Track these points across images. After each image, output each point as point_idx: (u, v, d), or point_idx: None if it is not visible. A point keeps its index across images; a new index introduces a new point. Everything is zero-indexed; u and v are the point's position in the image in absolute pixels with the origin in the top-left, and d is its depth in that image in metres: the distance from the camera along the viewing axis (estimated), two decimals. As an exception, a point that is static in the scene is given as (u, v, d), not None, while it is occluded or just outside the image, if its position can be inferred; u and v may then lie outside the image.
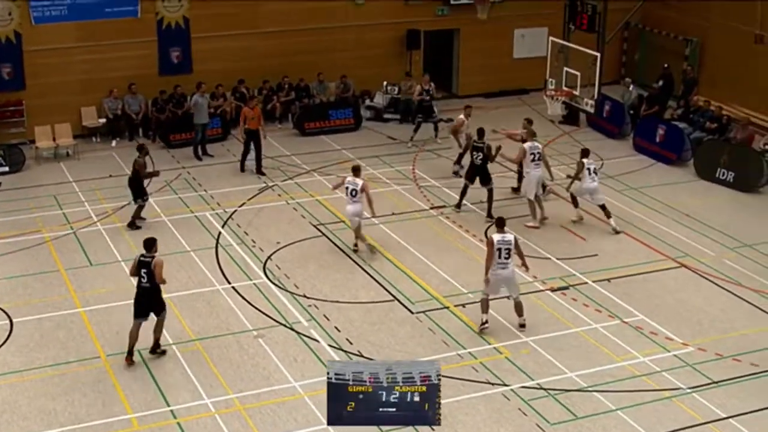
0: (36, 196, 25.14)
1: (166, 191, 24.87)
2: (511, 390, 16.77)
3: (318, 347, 18.18)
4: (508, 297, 18.83)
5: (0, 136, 27.95)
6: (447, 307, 19.70)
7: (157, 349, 17.82)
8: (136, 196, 23.06)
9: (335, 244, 22.43)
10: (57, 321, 18.98)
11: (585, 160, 23.22)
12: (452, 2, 32.44)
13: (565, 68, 26.97)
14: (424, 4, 32.42)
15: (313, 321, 19.11)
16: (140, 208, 22.98)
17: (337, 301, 19.88)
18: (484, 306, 18.66)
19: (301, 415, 16.09)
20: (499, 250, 18.16)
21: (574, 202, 23.72)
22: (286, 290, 20.35)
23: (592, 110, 27.81)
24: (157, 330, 17.72)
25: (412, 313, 19.48)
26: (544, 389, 16.90)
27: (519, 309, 18.72)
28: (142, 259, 17.24)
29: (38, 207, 24.45)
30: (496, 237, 18.28)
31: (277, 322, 19.09)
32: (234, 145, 28.75)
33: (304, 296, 20.09)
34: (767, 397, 16.76)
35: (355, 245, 21.94)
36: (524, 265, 19.18)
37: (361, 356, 17.77)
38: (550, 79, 27.45)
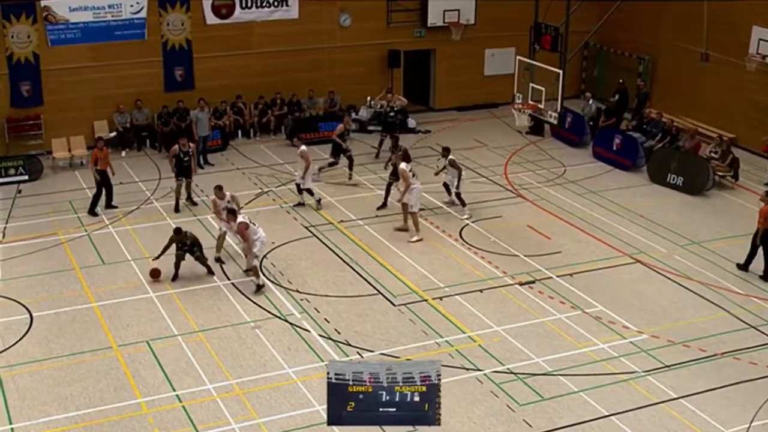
0: (53, 202, 24.99)
1: (172, 197, 24.71)
2: (484, 374, 16.78)
3: (309, 337, 18.15)
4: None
5: (20, 148, 27.83)
6: (426, 300, 19.67)
7: (190, 199, 24.48)
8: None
9: (325, 244, 22.37)
10: (72, 315, 18.90)
11: (451, 157, 24.18)
12: (429, 25, 32.40)
13: (531, 84, 27.03)
14: (403, 26, 32.39)
15: (305, 313, 19.07)
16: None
17: (327, 295, 19.83)
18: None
19: (294, 398, 16.07)
20: (225, 210, 20.80)
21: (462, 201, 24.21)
22: (281, 286, 20.29)
23: (555, 122, 27.87)
24: (188, 187, 24.45)
25: (394, 305, 19.45)
26: (514, 373, 16.92)
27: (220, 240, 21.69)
28: (181, 148, 23.87)
29: (55, 211, 24.31)
30: (220, 202, 21.46)
31: (272, 314, 19.04)
32: (233, 155, 28.68)
33: (297, 291, 20.04)
34: (713, 378, 16.84)
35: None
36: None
37: (349, 345, 17.76)
38: (518, 94, 27.44)
